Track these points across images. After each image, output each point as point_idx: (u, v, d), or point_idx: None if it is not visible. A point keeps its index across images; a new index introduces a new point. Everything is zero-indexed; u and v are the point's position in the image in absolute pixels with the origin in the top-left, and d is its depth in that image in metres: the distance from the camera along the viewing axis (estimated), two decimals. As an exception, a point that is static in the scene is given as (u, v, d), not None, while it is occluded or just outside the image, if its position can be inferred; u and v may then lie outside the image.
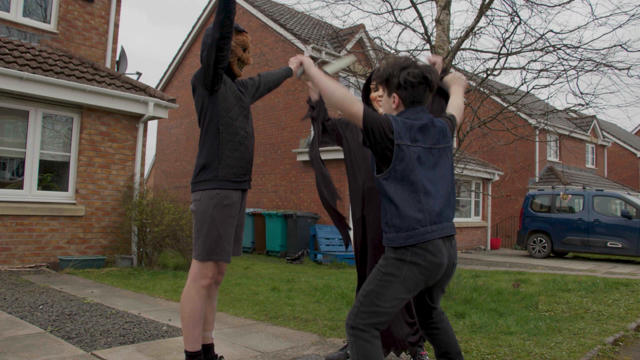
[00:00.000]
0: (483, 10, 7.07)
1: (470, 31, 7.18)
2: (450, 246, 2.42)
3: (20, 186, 8.17)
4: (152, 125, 26.89)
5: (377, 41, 8.78)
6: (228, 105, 3.07)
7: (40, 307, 5.13)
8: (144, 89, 9.25)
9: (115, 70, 10.27)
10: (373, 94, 3.40)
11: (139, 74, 11.05)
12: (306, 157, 14.82)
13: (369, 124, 2.34)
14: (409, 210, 2.31)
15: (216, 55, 2.88)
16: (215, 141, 3.04)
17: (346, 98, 2.41)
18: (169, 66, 20.70)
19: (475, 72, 7.88)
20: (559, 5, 7.23)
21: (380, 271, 2.36)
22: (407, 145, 2.33)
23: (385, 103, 2.57)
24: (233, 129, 3.08)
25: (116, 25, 10.23)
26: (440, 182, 2.42)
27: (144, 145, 9.44)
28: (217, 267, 3.17)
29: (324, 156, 14.96)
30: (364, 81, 3.46)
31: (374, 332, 2.32)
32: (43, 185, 8.41)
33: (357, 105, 2.38)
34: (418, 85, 2.44)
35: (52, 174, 8.58)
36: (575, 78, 7.42)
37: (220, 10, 2.84)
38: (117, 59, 10.46)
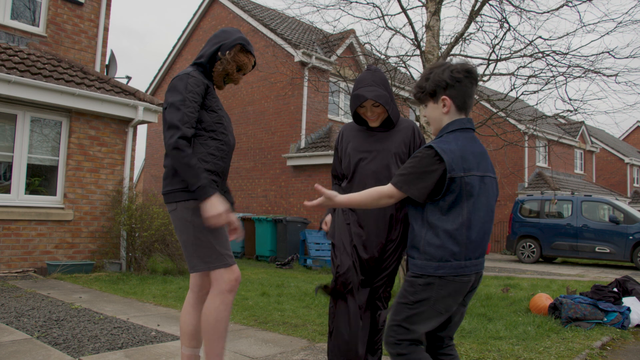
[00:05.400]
0: (473, 16, 7.12)
1: (459, 37, 7.22)
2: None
3: (7, 190, 8.09)
4: (142, 130, 26.80)
5: (367, 46, 8.81)
6: (211, 116, 2.87)
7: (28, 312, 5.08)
8: (133, 93, 9.21)
9: (105, 74, 10.22)
10: (360, 110, 3.28)
11: (129, 78, 11.01)
12: (296, 162, 14.82)
13: (412, 185, 2.20)
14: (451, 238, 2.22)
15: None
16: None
17: (373, 196, 2.29)
18: (159, 70, 20.66)
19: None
20: (548, 12, 7.30)
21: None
22: (460, 177, 2.18)
23: (433, 112, 2.38)
24: (210, 141, 2.86)
25: (106, 29, 10.18)
26: (489, 217, 2.31)
27: (133, 150, 9.40)
28: (210, 278, 2.91)
29: (314, 161, 14.81)
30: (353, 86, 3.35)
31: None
32: (31, 189, 8.34)
33: (385, 190, 2.26)
34: (464, 77, 2.29)
35: (40, 178, 8.51)
36: (563, 84, 7.49)
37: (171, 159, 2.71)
38: (107, 62, 10.41)
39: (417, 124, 7.46)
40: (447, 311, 2.24)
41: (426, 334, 2.40)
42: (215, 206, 2.65)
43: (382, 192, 2.27)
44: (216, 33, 3.03)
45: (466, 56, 7.64)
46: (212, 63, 2.96)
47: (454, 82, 2.29)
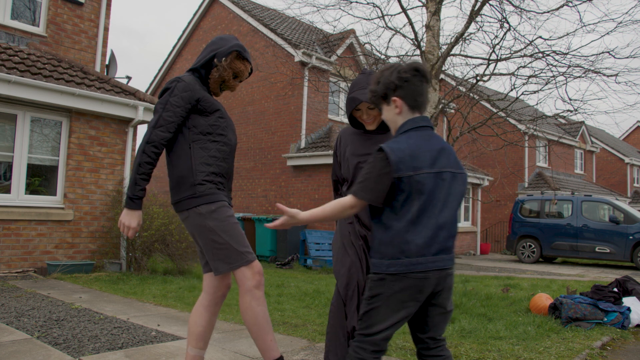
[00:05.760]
0: (473, 16, 7.12)
1: (460, 37, 7.22)
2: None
3: (7, 190, 8.09)
4: (142, 130, 26.78)
5: (367, 46, 8.81)
6: (207, 119, 2.87)
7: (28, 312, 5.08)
8: (133, 93, 9.21)
9: (105, 74, 10.22)
10: (356, 113, 3.25)
11: (129, 78, 11.01)
12: (296, 162, 14.82)
13: (378, 189, 2.22)
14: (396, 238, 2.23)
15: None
16: (188, 155, 2.82)
17: (336, 208, 2.32)
18: (159, 70, 20.65)
19: (465, 78, 7.93)
20: (548, 12, 7.30)
21: None
22: (409, 175, 2.18)
23: (387, 113, 2.41)
24: (209, 143, 2.86)
25: (106, 29, 10.18)
26: (446, 213, 2.27)
27: (133, 150, 9.40)
28: (224, 280, 2.98)
29: (314, 161, 14.75)
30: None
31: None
32: (31, 189, 8.34)
33: (347, 202, 2.29)
34: (411, 76, 2.30)
35: (41, 178, 8.51)
36: (564, 84, 7.49)
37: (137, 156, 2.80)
38: (107, 62, 10.41)
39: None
40: (403, 308, 2.23)
41: (412, 337, 2.42)
42: (129, 218, 2.77)
43: (345, 204, 2.30)
44: (213, 40, 3.06)
45: (466, 56, 7.65)
46: (207, 69, 2.99)
47: (402, 83, 2.30)
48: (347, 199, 2.28)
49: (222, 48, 2.96)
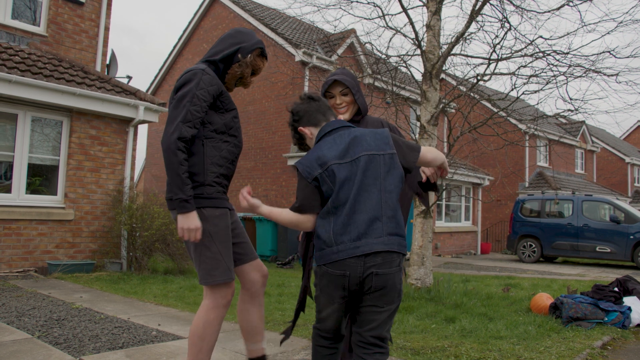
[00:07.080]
0: (473, 16, 7.12)
1: (460, 36, 7.22)
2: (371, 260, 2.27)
3: (8, 190, 8.09)
4: (143, 129, 26.79)
5: (368, 46, 8.81)
6: (223, 118, 2.75)
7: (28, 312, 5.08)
8: (134, 93, 9.21)
9: (106, 73, 10.22)
10: (331, 101, 3.25)
11: (130, 78, 11.00)
12: (297, 162, 14.80)
13: (304, 199, 2.40)
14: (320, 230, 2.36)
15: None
16: (200, 152, 2.67)
17: (289, 218, 2.44)
18: (160, 70, 20.64)
19: (466, 78, 7.93)
20: (549, 11, 7.30)
21: None
22: (320, 173, 2.33)
23: (308, 142, 2.61)
24: (222, 143, 2.75)
25: (107, 29, 10.18)
26: (364, 197, 2.31)
27: (134, 149, 9.40)
28: (260, 270, 2.96)
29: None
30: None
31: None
32: (32, 189, 8.34)
33: (300, 218, 2.42)
34: (301, 105, 2.54)
35: (41, 178, 8.51)
36: (564, 84, 7.50)
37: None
38: (108, 62, 10.41)
39: (418, 123, 7.47)
40: (334, 301, 2.34)
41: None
42: (188, 221, 2.55)
43: (299, 220, 2.43)
44: (231, 33, 2.91)
45: (467, 56, 7.65)
46: (226, 63, 2.84)
47: (298, 118, 2.54)
48: (302, 216, 2.42)
49: (245, 43, 2.83)
